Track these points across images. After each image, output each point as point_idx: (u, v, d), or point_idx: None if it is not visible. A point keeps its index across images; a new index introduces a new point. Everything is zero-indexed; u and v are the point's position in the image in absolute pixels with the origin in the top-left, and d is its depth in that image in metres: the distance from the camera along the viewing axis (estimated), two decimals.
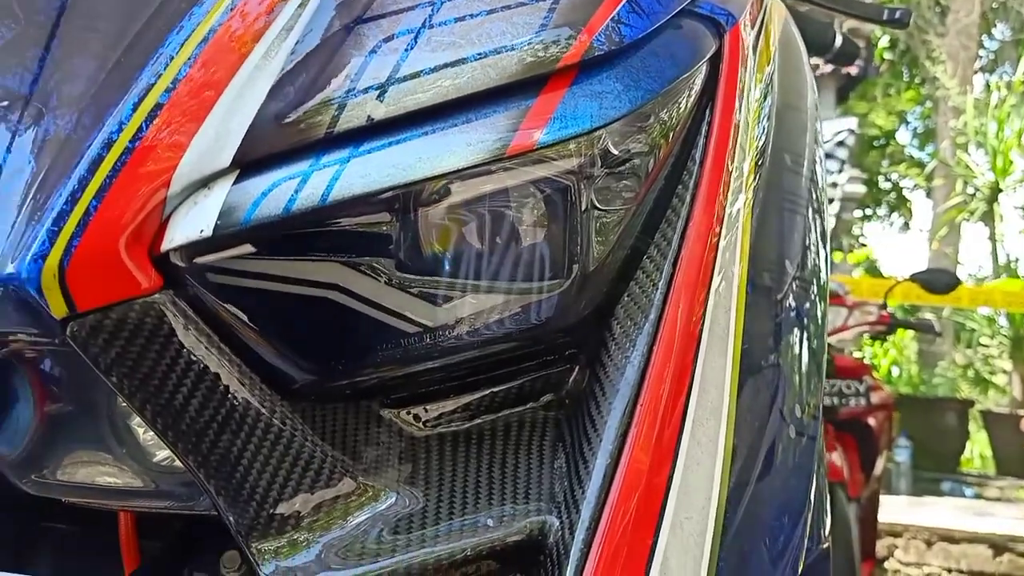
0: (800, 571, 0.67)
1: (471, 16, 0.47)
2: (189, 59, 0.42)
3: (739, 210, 0.59)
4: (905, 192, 12.88)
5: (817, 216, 0.73)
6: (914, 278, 2.37)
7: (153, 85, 0.41)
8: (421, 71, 0.45)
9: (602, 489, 0.48)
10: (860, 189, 8.44)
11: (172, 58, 0.42)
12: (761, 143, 0.64)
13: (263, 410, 0.45)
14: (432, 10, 0.47)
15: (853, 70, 7.18)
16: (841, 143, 5.70)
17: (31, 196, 0.40)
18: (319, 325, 0.46)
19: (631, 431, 0.49)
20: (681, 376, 0.51)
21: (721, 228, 0.56)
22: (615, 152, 0.52)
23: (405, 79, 0.45)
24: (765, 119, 0.65)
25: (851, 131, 6.00)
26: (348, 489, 0.48)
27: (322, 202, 0.42)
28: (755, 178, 0.62)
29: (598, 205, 0.52)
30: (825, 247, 0.74)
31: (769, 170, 0.66)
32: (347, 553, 0.47)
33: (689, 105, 0.57)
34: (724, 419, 0.53)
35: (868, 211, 12.89)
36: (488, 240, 0.48)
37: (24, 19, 0.45)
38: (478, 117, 0.46)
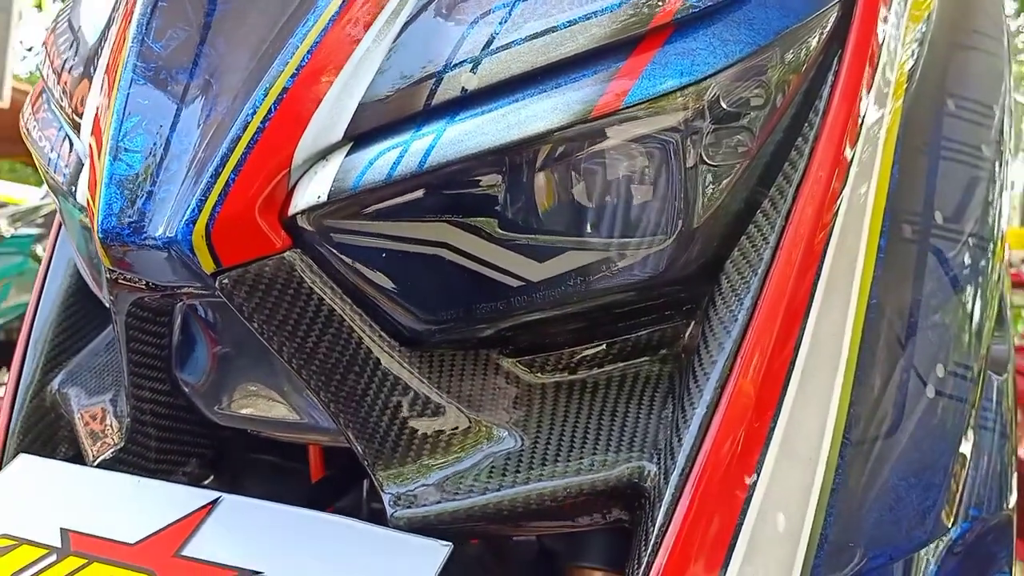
0: (956, 540, 0.64)
1: None
2: (311, 48, 0.49)
3: (871, 160, 0.56)
4: None
5: (991, 166, 0.68)
6: None
7: (281, 72, 0.48)
8: (513, 42, 0.48)
9: (697, 438, 0.49)
10: None
11: (297, 47, 0.49)
12: (911, 89, 0.61)
13: (382, 354, 0.52)
14: None
15: None
16: None
17: (190, 170, 0.49)
18: (430, 279, 0.52)
19: (729, 383, 0.50)
20: (788, 331, 0.51)
21: (845, 180, 0.55)
22: (725, 107, 0.52)
23: (497, 51, 0.48)
24: (916, 63, 0.62)
25: None
26: (463, 427, 0.54)
27: (419, 168, 0.47)
28: (899, 126, 0.59)
29: (708, 160, 0.53)
30: (999, 201, 0.69)
31: (923, 116, 0.62)
32: (460, 484, 0.52)
33: (812, 54, 0.55)
34: (840, 375, 0.53)
35: None
36: (586, 197, 0.51)
37: (185, 13, 0.53)
38: (567, 82, 0.48)
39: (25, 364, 0.75)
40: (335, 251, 0.50)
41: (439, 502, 0.52)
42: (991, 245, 0.66)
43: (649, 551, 0.48)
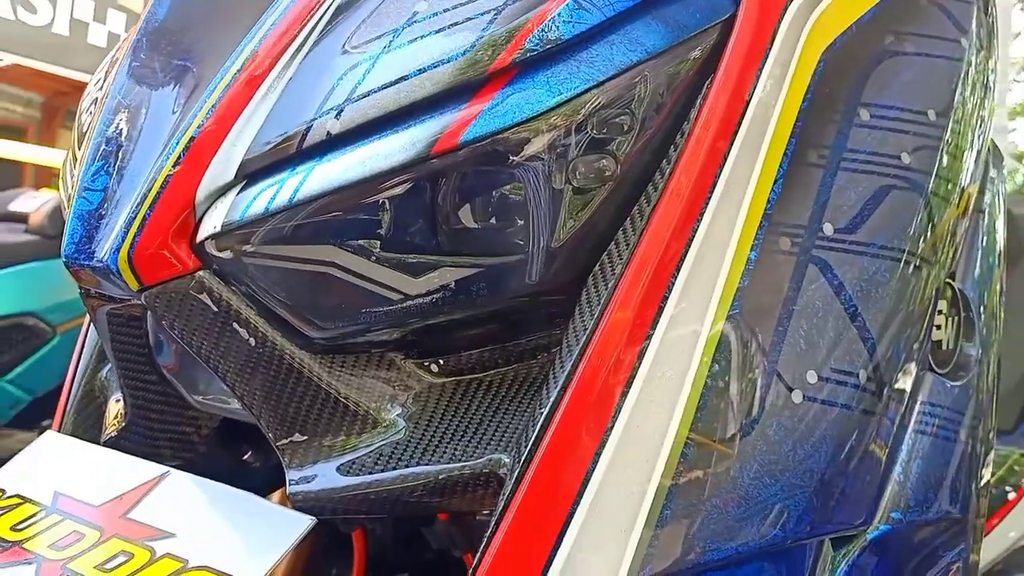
0: (875, 539, 0.66)
1: (422, 37, 0.57)
2: (214, 104, 0.59)
3: (745, 176, 0.60)
4: None
5: (915, 174, 0.68)
6: None
7: (191, 124, 0.59)
8: (371, 90, 0.56)
9: (539, 432, 0.55)
10: None
11: (204, 103, 0.59)
12: (807, 106, 0.63)
13: (286, 356, 0.61)
14: (393, 36, 0.58)
15: None
16: None
17: (127, 208, 0.60)
18: (323, 294, 0.60)
19: (572, 383, 0.55)
20: (634, 338, 0.56)
21: (708, 198, 0.58)
22: (593, 134, 0.58)
23: (358, 99, 0.56)
24: (815, 81, 0.64)
25: None
26: (360, 420, 0.62)
27: (290, 202, 0.56)
28: (786, 143, 0.62)
29: (572, 183, 0.58)
30: (935, 208, 0.69)
31: (821, 130, 0.64)
32: (351, 468, 0.61)
33: (681, 81, 0.59)
34: (688, 381, 0.57)
35: None
36: (448, 221, 0.58)
37: (145, 80, 0.65)
38: (415, 123, 0.56)
39: (83, 354, 0.90)
40: (238, 271, 0.60)
41: (332, 483, 0.60)
42: (907, 254, 0.67)
43: (488, 534, 0.54)
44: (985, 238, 0.88)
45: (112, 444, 0.75)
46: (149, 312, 0.63)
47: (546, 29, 0.56)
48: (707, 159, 0.59)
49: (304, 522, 0.56)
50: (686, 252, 0.57)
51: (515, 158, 0.56)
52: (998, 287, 0.89)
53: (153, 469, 0.66)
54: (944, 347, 0.77)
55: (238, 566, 0.53)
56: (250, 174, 0.58)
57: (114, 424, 0.76)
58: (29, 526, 0.63)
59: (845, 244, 0.64)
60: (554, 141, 0.56)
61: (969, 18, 0.78)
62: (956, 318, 0.79)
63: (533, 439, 0.55)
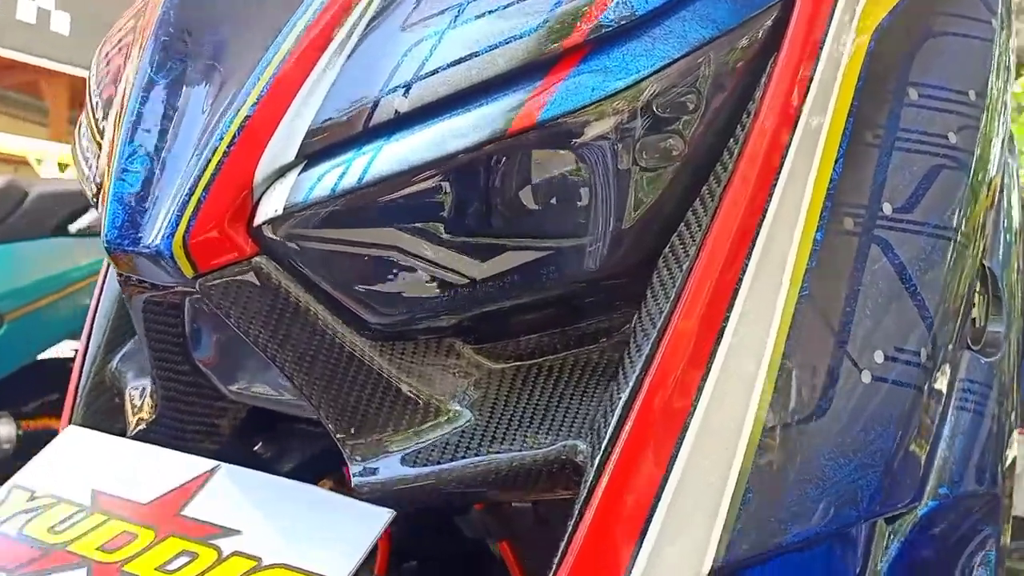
0: (925, 516, 0.66)
1: (490, 12, 0.55)
2: (268, 81, 0.56)
3: (809, 158, 0.59)
4: None
5: (960, 153, 0.69)
6: None
7: (244, 103, 0.56)
8: (440, 67, 0.54)
9: (620, 418, 0.54)
10: None
11: (257, 81, 0.56)
12: (862, 86, 0.63)
13: (347, 343, 0.59)
14: (458, 11, 0.55)
15: None
16: None
17: (175, 189, 0.57)
18: (385, 278, 0.58)
19: (651, 368, 0.54)
20: (711, 321, 0.55)
21: (775, 179, 0.58)
22: (658, 113, 0.56)
23: (426, 76, 0.54)
24: (869, 60, 0.63)
25: None
26: (423, 408, 0.60)
27: (359, 183, 0.54)
28: (844, 123, 0.61)
29: (640, 163, 0.57)
30: (978, 186, 0.70)
31: (877, 110, 0.64)
32: (418, 457, 0.59)
33: (745, 59, 0.58)
34: (764, 364, 0.56)
35: None
36: (519, 202, 0.56)
37: (179, 52, 0.61)
38: (488, 101, 0.54)
39: (91, 343, 0.87)
40: (298, 255, 0.57)
41: (399, 474, 0.59)
42: (956, 233, 0.67)
43: (572, 524, 0.53)
44: (1005, 218, 0.89)
45: (141, 437, 0.72)
46: (200, 300, 0.61)
47: (620, 4, 0.54)
48: (772, 140, 0.58)
49: (384, 515, 0.54)
50: (757, 234, 0.57)
51: (588, 137, 0.55)
52: (1016, 265, 0.91)
53: (201, 463, 0.63)
54: (977, 324, 0.78)
55: (321, 563, 0.51)
56: (310, 154, 0.55)
57: (141, 416, 0.73)
58: (69, 527, 0.60)
59: (903, 223, 0.64)
60: (627, 120, 0.55)
61: None
62: (987, 296, 0.80)
63: (613, 427, 0.54)
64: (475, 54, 0.54)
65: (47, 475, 0.67)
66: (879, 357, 0.61)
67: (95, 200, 0.69)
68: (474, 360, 0.63)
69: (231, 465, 0.62)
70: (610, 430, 0.54)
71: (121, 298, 0.88)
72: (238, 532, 0.56)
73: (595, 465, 0.54)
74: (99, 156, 0.71)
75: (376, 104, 0.54)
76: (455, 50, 0.54)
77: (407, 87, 0.54)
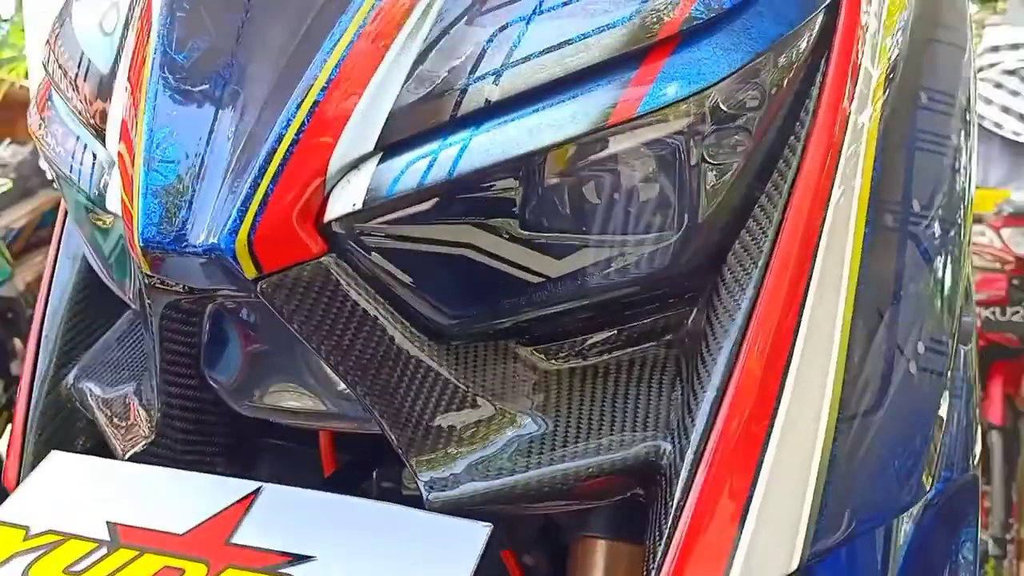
0: (931, 500, 0.69)
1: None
2: (339, 61, 0.51)
3: (857, 155, 0.61)
4: None
5: (957, 153, 0.73)
6: None
7: (312, 85, 0.51)
8: (531, 54, 0.51)
9: (709, 418, 0.54)
10: None
11: (325, 60, 0.51)
12: (891, 87, 0.65)
13: (413, 349, 0.55)
14: None
15: None
16: None
17: (226, 180, 0.51)
18: (456, 277, 0.55)
19: (736, 367, 0.54)
20: (788, 317, 0.55)
21: (835, 175, 0.59)
22: (725, 109, 0.56)
23: (517, 63, 0.51)
24: (895, 60, 0.66)
25: None
26: (488, 414, 0.57)
27: (449, 176, 0.50)
28: (880, 122, 0.63)
29: (709, 160, 0.56)
30: (965, 185, 0.74)
31: (902, 111, 0.66)
32: (489, 467, 0.56)
33: (802, 57, 0.59)
34: (834, 357, 0.57)
35: None
36: (601, 199, 0.54)
37: (204, 23, 0.55)
38: (584, 92, 0.51)
39: (39, 359, 0.77)
40: (367, 254, 0.53)
41: (470, 485, 0.55)
42: (957, 228, 0.71)
43: (669, 524, 0.52)
44: None
45: (141, 458, 0.64)
46: (233, 305, 0.55)
47: None
48: (829, 137, 0.59)
49: (483, 531, 0.50)
50: (821, 233, 0.58)
51: (675, 130, 0.54)
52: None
53: (236, 485, 0.57)
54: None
55: None
56: (390, 144, 0.51)
57: (137, 434, 0.65)
58: (93, 567, 0.53)
59: (928, 219, 0.67)
60: (709, 115, 0.54)
61: (966, 5, 0.84)
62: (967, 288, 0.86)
63: (702, 427, 0.53)
64: (568, 41, 0.51)
65: (40, 508, 0.58)
66: (920, 348, 0.63)
67: (92, 191, 0.61)
68: (531, 362, 0.60)
69: (275, 485, 0.57)
70: (698, 430, 0.54)
71: (73, 304, 0.78)
72: (311, 558, 0.50)
73: (687, 465, 0.53)
74: (89, 140, 0.63)
75: (464, 91, 0.51)
76: (547, 36, 0.52)
77: (498, 74, 0.51)
